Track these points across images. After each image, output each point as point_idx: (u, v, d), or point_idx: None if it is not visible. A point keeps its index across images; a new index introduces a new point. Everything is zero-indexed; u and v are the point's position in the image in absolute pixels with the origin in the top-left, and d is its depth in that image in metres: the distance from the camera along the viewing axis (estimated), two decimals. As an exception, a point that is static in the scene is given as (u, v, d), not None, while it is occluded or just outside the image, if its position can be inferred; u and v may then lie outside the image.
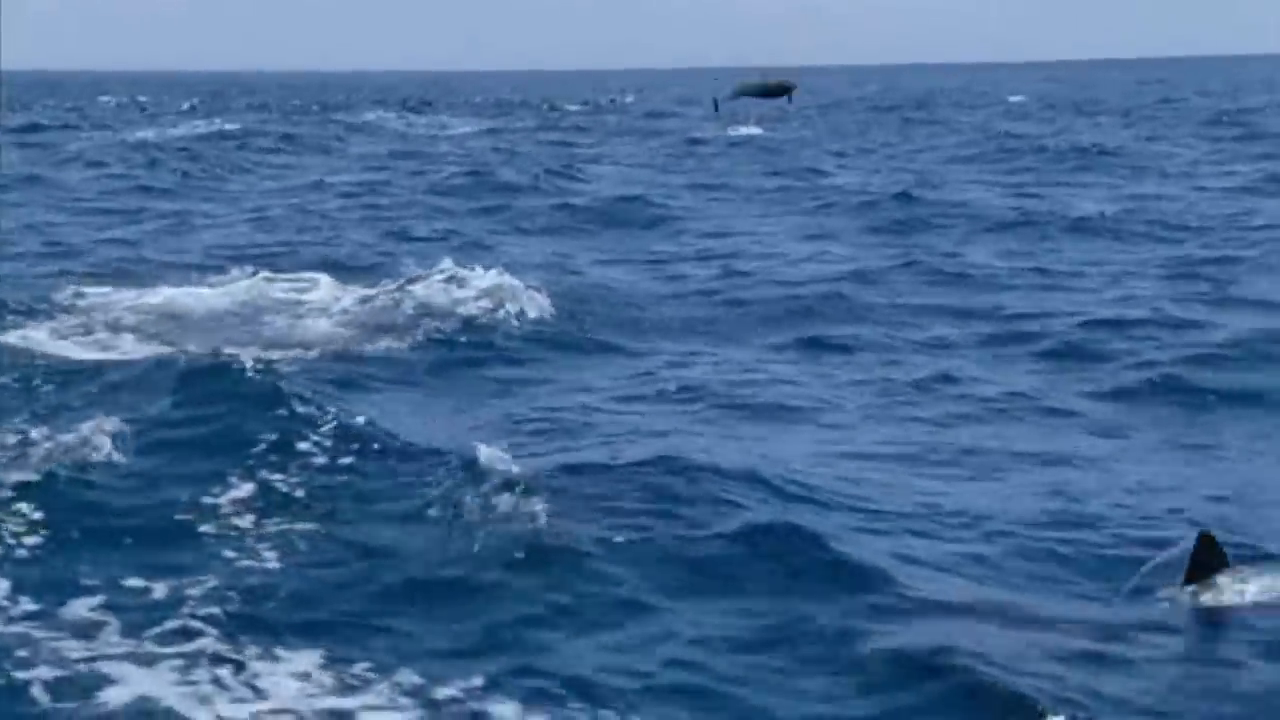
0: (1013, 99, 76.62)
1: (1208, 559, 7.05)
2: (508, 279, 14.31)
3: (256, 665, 5.75)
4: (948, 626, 6.13)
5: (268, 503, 7.71)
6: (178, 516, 7.47)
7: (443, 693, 5.56)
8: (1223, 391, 10.83)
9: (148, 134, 42.69)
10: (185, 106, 70.70)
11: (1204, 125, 45.90)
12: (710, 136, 44.18)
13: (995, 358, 12.31)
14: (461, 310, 13.45)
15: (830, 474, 8.59)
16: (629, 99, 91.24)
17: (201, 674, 5.68)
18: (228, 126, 44.66)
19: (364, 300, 13.94)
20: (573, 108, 74.96)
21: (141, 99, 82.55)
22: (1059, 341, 12.71)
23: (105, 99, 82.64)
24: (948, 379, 11.30)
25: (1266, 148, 33.17)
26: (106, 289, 14.25)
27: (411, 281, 14.55)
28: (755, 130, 46.15)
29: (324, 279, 14.74)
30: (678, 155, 36.21)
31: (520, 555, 6.98)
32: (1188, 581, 6.92)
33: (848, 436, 9.70)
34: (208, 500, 7.71)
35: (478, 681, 5.66)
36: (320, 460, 8.33)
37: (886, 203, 22.77)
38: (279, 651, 5.87)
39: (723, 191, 26.50)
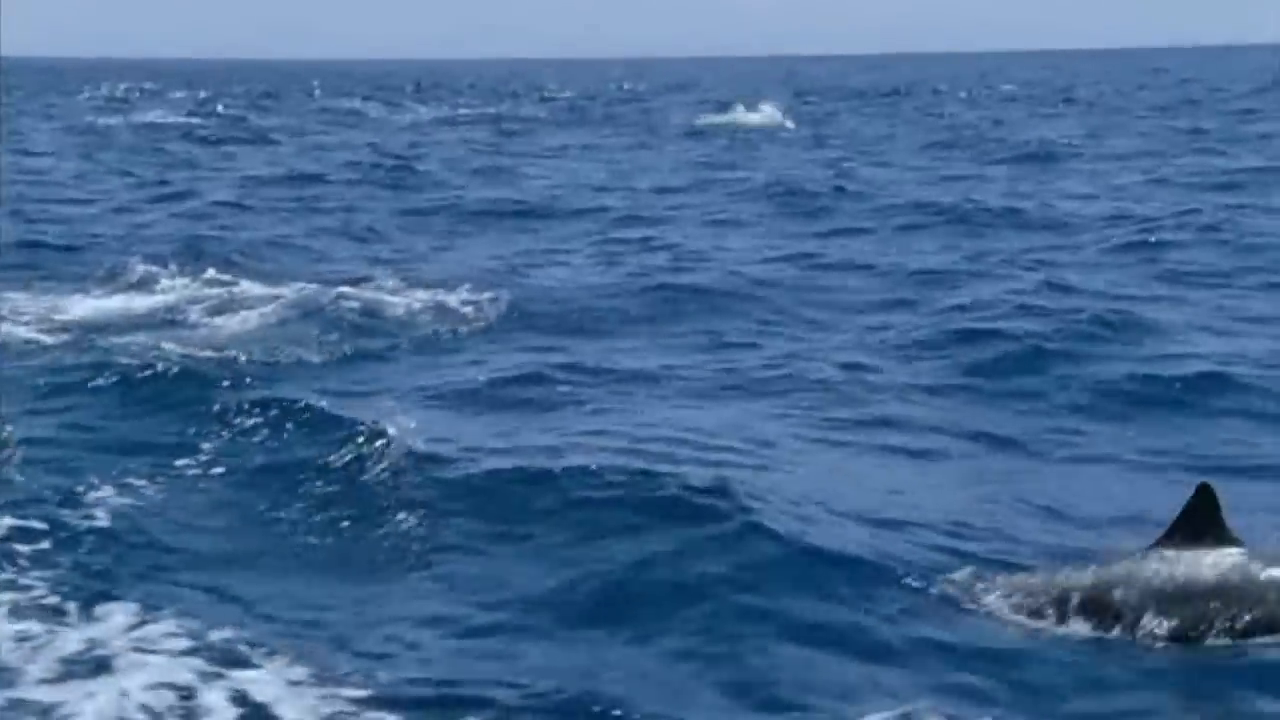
0: (1004, 88, 76.94)
1: (1196, 524, 6.31)
2: (423, 280, 14.69)
3: (88, 615, 6.30)
4: (744, 629, 6.43)
5: (132, 483, 8.13)
6: (43, 497, 7.88)
7: (218, 636, 6.10)
8: (1081, 382, 11.13)
9: (112, 121, 43.06)
10: (175, 95, 70.96)
11: (1169, 116, 46.36)
12: (677, 123, 44.47)
13: (873, 345, 12.65)
14: (379, 311, 13.70)
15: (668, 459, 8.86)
16: (625, 85, 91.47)
17: (35, 627, 6.18)
18: (193, 120, 44.60)
19: (277, 303, 14.01)
20: (565, 95, 75.31)
21: (124, 86, 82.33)
22: (934, 331, 13.01)
23: (101, 86, 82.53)
24: (812, 366, 11.71)
25: (1211, 142, 33.46)
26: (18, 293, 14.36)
27: (329, 284, 14.73)
28: (723, 118, 46.31)
29: (241, 281, 14.91)
30: (634, 146, 36.52)
31: (363, 534, 7.56)
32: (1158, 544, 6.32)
33: (704, 425, 10.03)
34: (77, 477, 8.19)
35: (267, 629, 6.29)
36: (191, 457, 8.73)
37: (823, 195, 23.06)
38: (111, 605, 6.40)
39: (666, 182, 26.77)
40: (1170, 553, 6.29)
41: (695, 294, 14.92)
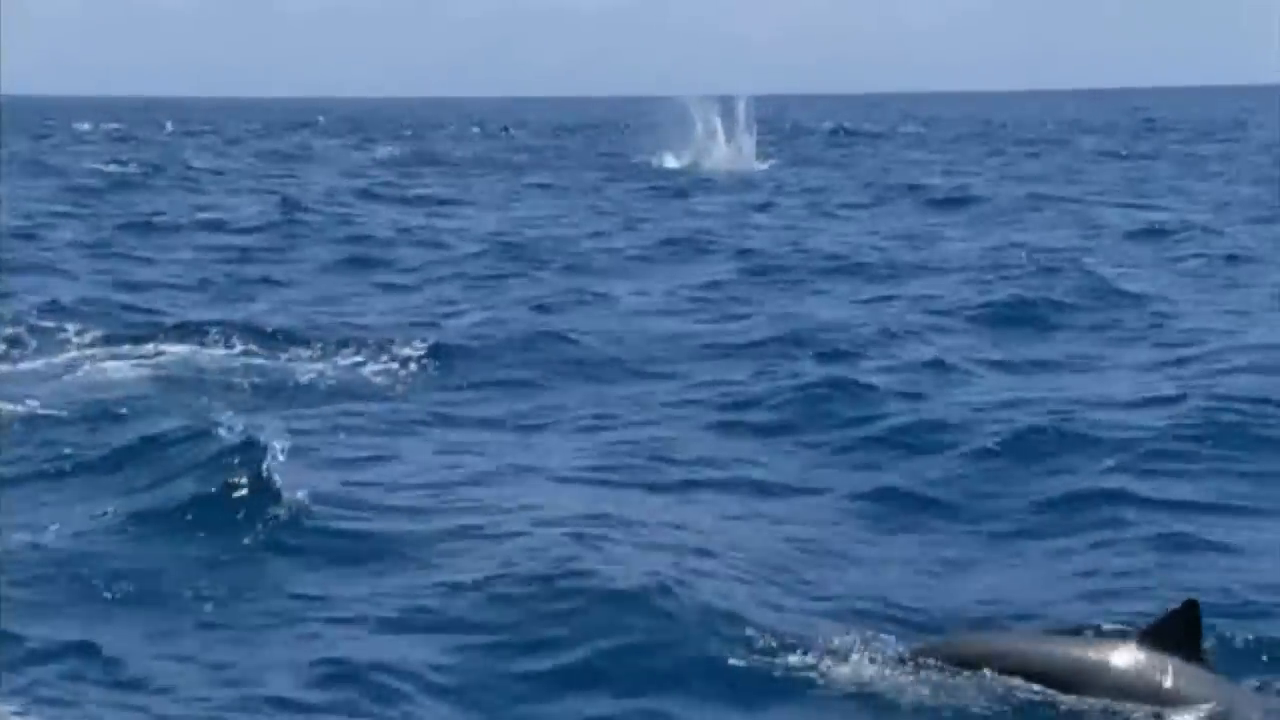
0: (979, 129, 77.68)
1: (1171, 634, 6.38)
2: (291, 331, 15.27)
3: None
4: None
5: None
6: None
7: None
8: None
9: (61, 160, 43.29)
10: (152, 135, 71.29)
11: (1111, 160, 47.19)
12: (637, 162, 45.15)
13: (700, 398, 13.24)
14: (251, 364, 14.19)
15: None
16: (623, 123, 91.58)
17: None
18: (133, 163, 43.68)
19: (154, 360, 14.25)
20: (542, 133, 76.02)
21: (112, 125, 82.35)
22: (758, 381, 13.67)
23: (83, 124, 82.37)
24: (627, 416, 12.42)
25: (1132, 196, 33.86)
26: None
27: (205, 334, 15.16)
28: (687, 161, 46.96)
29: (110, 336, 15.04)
30: (581, 189, 37.19)
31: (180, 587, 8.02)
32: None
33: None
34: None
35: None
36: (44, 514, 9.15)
37: (717, 245, 23.58)
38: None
39: (590, 227, 27.40)
40: (1140, 655, 6.45)
41: (555, 341, 15.35)
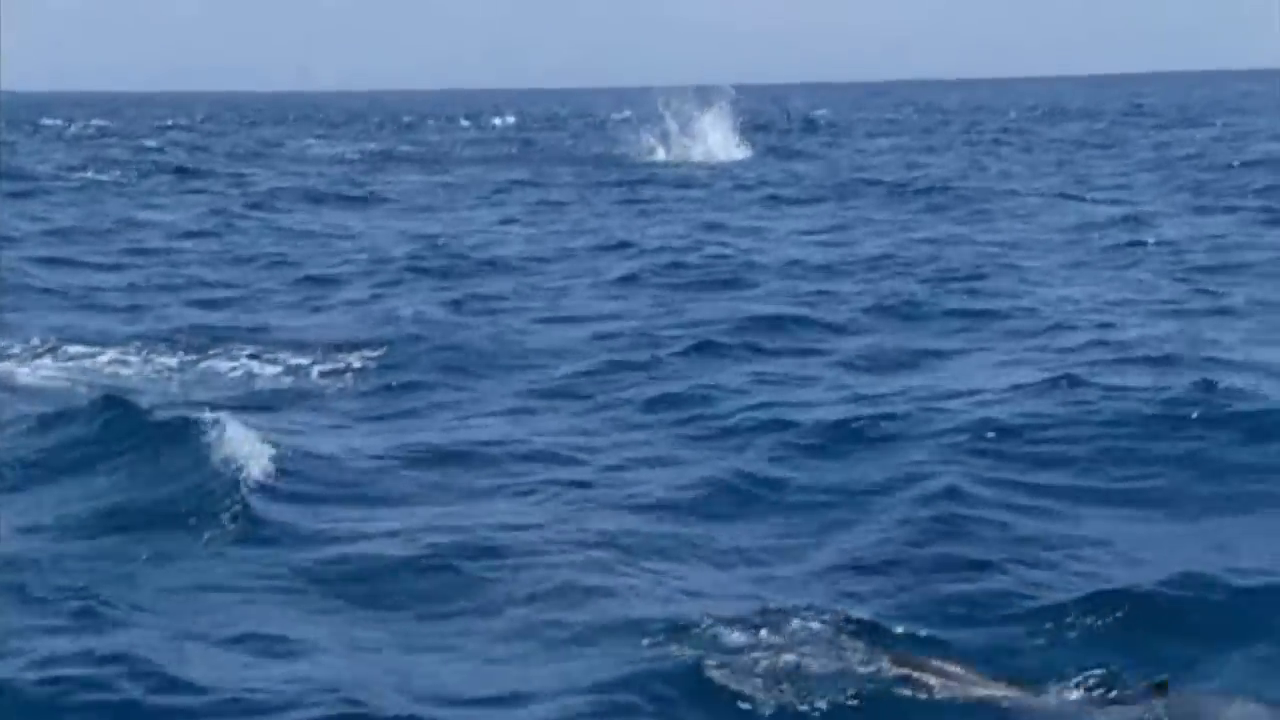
0: (970, 119, 77.71)
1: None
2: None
3: None
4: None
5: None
6: None
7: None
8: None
9: (23, 161, 43.56)
10: (148, 128, 71.56)
11: (1071, 149, 47.41)
12: (618, 154, 45.42)
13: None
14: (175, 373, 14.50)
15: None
16: (614, 116, 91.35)
17: None
18: (97, 166, 43.51)
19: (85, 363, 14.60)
20: (530, 125, 76.00)
21: (97, 122, 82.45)
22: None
23: (71, 124, 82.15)
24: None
25: (1074, 186, 33.97)
26: None
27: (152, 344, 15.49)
28: (670, 156, 47.22)
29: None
30: (546, 184, 37.46)
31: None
32: None
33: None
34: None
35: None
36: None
37: (638, 246, 23.71)
38: None
39: (527, 226, 27.78)
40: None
41: (455, 344, 15.60)
